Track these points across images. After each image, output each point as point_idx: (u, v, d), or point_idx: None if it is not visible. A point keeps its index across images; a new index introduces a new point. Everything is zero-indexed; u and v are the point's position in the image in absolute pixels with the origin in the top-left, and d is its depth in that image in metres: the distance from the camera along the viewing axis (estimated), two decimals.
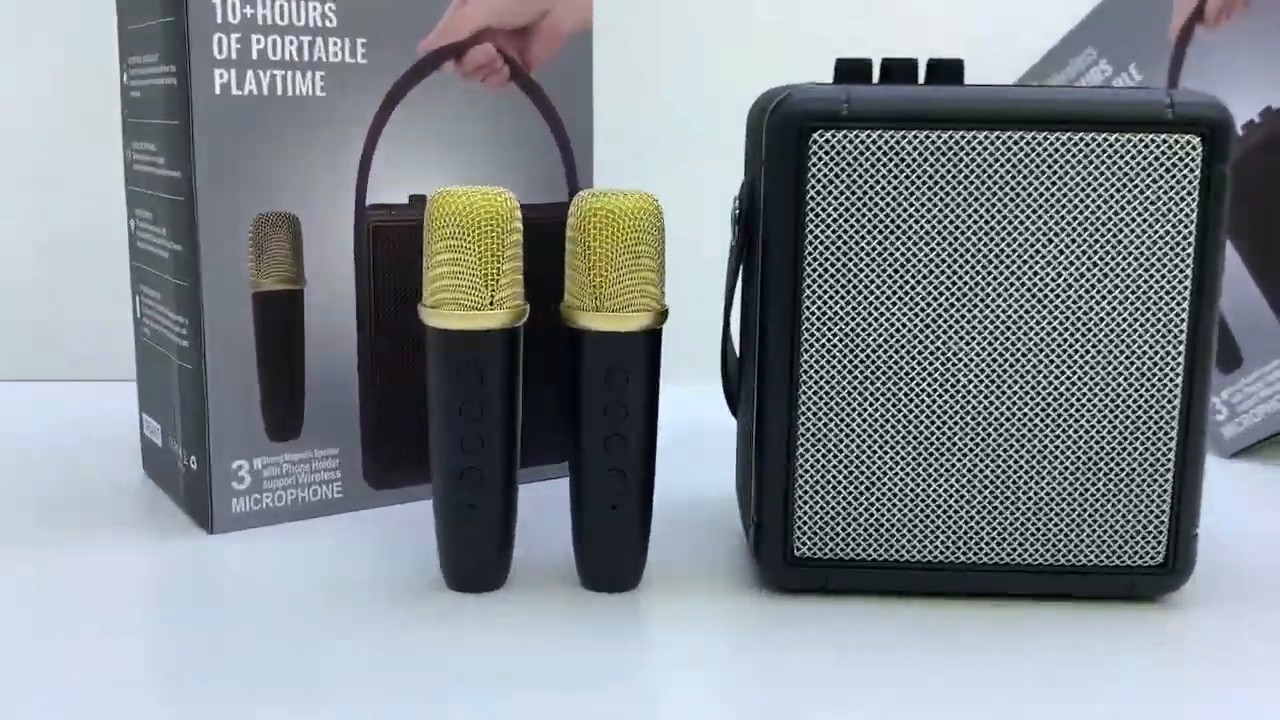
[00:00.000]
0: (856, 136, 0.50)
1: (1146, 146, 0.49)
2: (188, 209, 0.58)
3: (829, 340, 0.51)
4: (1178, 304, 0.50)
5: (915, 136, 0.49)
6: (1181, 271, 0.50)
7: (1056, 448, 0.51)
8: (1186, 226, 0.50)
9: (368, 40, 0.61)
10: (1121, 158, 0.49)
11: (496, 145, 0.65)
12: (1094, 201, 0.50)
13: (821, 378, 0.51)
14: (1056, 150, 0.49)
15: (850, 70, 0.54)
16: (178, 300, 0.60)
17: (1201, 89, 0.75)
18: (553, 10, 0.66)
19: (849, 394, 0.51)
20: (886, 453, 0.52)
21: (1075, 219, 0.50)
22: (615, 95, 0.89)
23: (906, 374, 0.51)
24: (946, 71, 0.54)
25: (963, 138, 0.49)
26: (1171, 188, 0.50)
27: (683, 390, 0.79)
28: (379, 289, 0.63)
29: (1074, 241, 0.50)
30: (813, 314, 0.51)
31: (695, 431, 0.80)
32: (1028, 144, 0.49)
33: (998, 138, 0.49)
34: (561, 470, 0.69)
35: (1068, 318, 0.51)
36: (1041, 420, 0.51)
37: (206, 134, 0.57)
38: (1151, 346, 0.51)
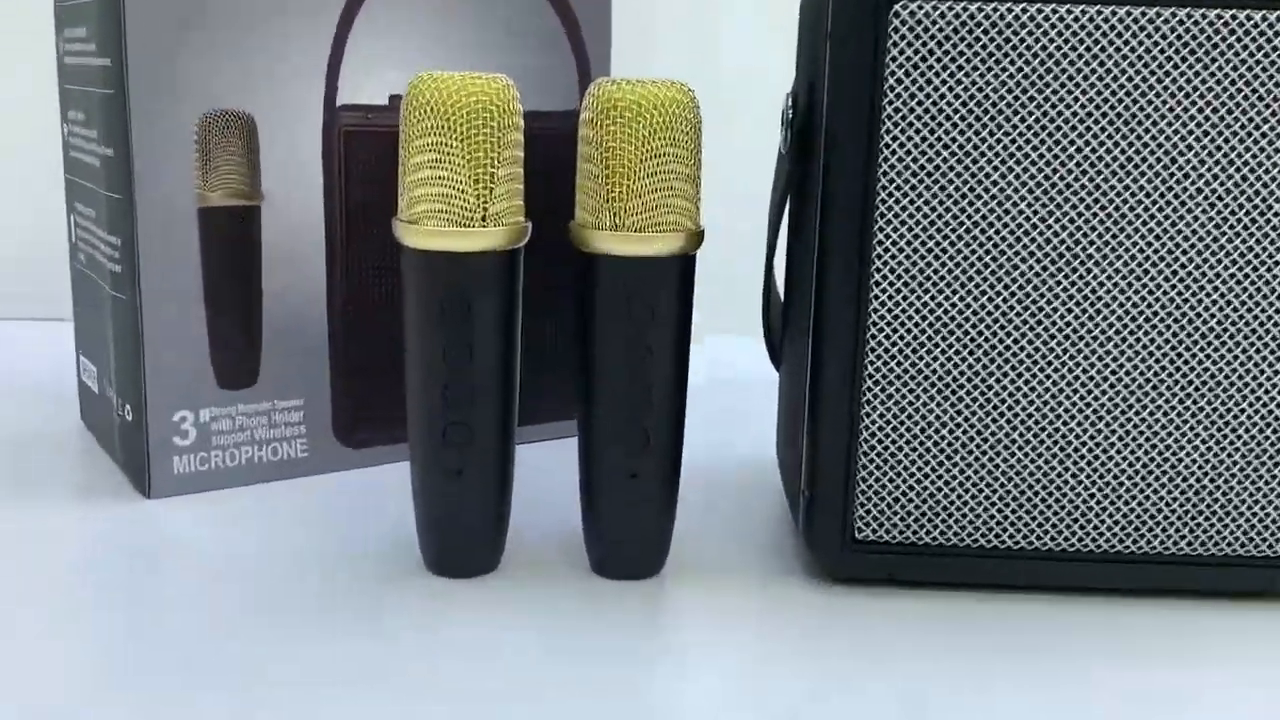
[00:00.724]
0: (953, 8, 0.40)
1: None
2: (119, 104, 0.49)
3: (907, 276, 0.41)
4: None
5: (1038, 9, 0.40)
6: None
7: (1201, 420, 0.42)
8: None
9: None
10: None
11: (494, 39, 0.56)
12: (1253, 101, 0.40)
13: (897, 322, 0.42)
14: (1199, 30, 0.40)
15: None
16: (110, 217, 0.51)
17: None
18: None
19: (930, 344, 0.42)
20: (974, 418, 0.42)
21: (1245, 121, 0.40)
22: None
23: (1006, 321, 0.42)
24: None
25: (1101, 14, 0.40)
26: None
27: (715, 339, 0.69)
28: (352, 205, 0.53)
29: (1240, 155, 0.40)
30: (888, 242, 0.41)
31: (730, 383, 0.71)
32: (1194, 24, 0.40)
33: (1151, 14, 0.40)
34: (569, 429, 0.59)
35: (1227, 253, 0.41)
36: (1185, 383, 0.42)
37: (142, 13, 0.48)
38: None
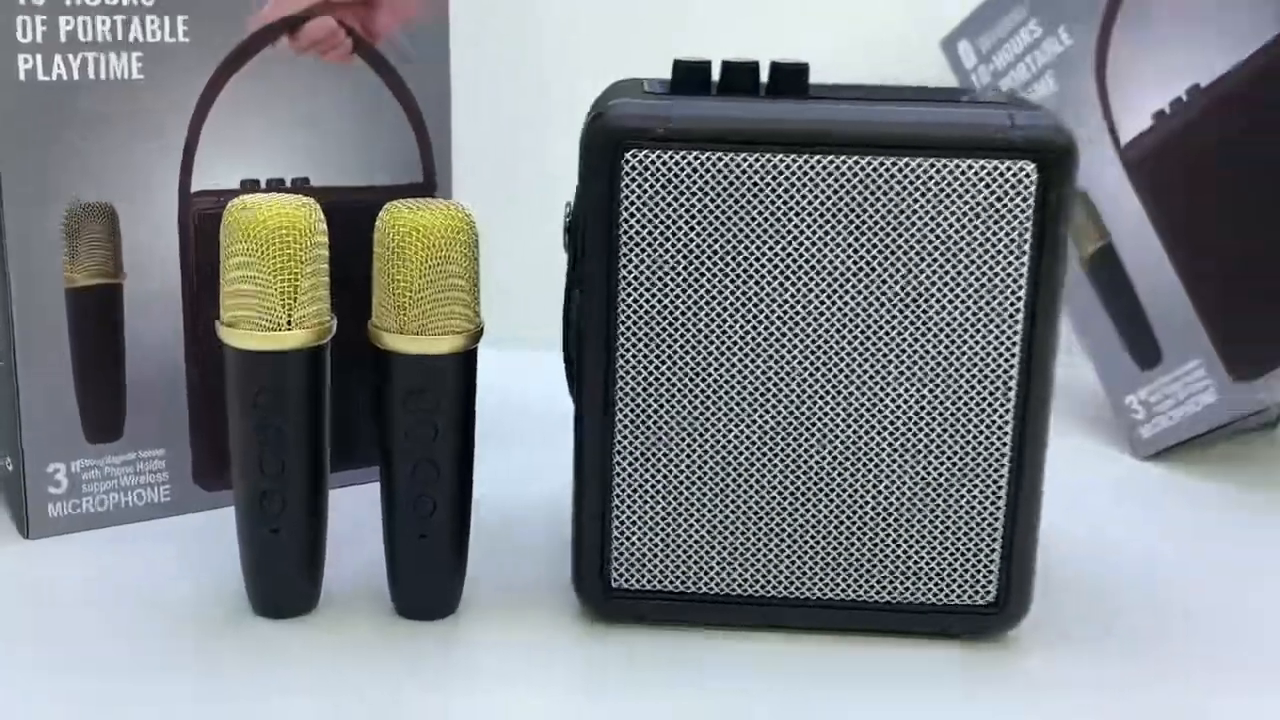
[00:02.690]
0: (673, 157, 0.51)
1: (981, 172, 0.51)
2: None
3: (646, 366, 0.53)
4: (1010, 334, 0.52)
5: (735, 159, 0.51)
6: (1014, 300, 0.52)
7: (882, 481, 0.54)
8: (1020, 259, 0.51)
9: (190, 17, 0.62)
10: (955, 183, 0.51)
11: (340, 123, 0.67)
12: (926, 229, 0.51)
13: (639, 406, 0.53)
14: (886, 176, 0.51)
15: (689, 73, 0.55)
16: None
17: (1130, 60, 0.75)
18: None
19: (667, 422, 0.54)
20: (705, 483, 0.54)
21: (905, 247, 0.51)
22: (481, 68, 0.89)
23: (726, 404, 0.53)
24: (789, 77, 0.55)
25: (784, 161, 0.51)
26: (1006, 215, 0.51)
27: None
28: (204, 280, 0.64)
29: (903, 270, 0.52)
30: (629, 338, 0.53)
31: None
32: (854, 169, 0.51)
33: (821, 162, 0.51)
34: None
35: (895, 349, 0.52)
36: (866, 453, 0.53)
37: (10, 124, 0.59)
38: (982, 377, 0.53)
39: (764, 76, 0.55)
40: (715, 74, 0.55)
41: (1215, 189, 0.72)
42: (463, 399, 0.54)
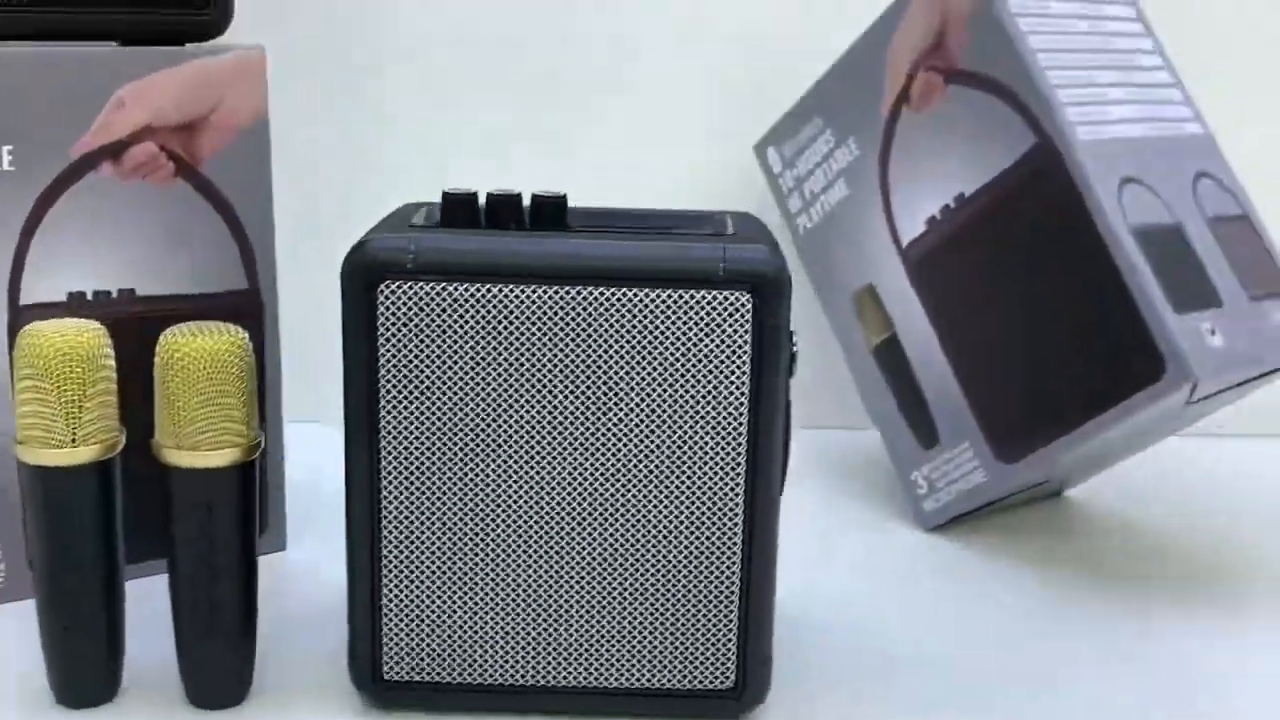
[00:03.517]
0: (423, 289, 0.56)
1: (698, 303, 0.55)
2: None
3: (406, 486, 0.57)
4: (734, 446, 0.57)
5: (477, 290, 0.55)
6: (737, 421, 0.56)
7: (624, 576, 0.58)
8: (740, 379, 0.56)
9: (14, 146, 0.66)
10: (674, 313, 0.55)
11: (165, 239, 0.71)
12: (650, 356, 0.56)
13: (402, 510, 0.58)
14: (610, 305, 0.55)
15: (455, 205, 0.59)
16: None
17: (908, 167, 0.81)
18: (223, 103, 0.71)
19: (429, 526, 0.58)
20: (465, 579, 0.58)
21: (634, 372, 0.56)
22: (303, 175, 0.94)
23: (480, 513, 0.58)
24: (549, 210, 0.59)
25: (519, 292, 0.55)
26: (724, 343, 0.56)
27: None
28: None
29: (634, 392, 0.56)
30: (390, 450, 0.57)
31: None
32: (581, 299, 0.55)
33: (551, 293, 0.55)
34: None
35: (630, 462, 0.57)
36: (608, 552, 0.58)
37: None
38: (712, 485, 0.57)
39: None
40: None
41: (980, 290, 0.78)
42: (240, 508, 0.58)
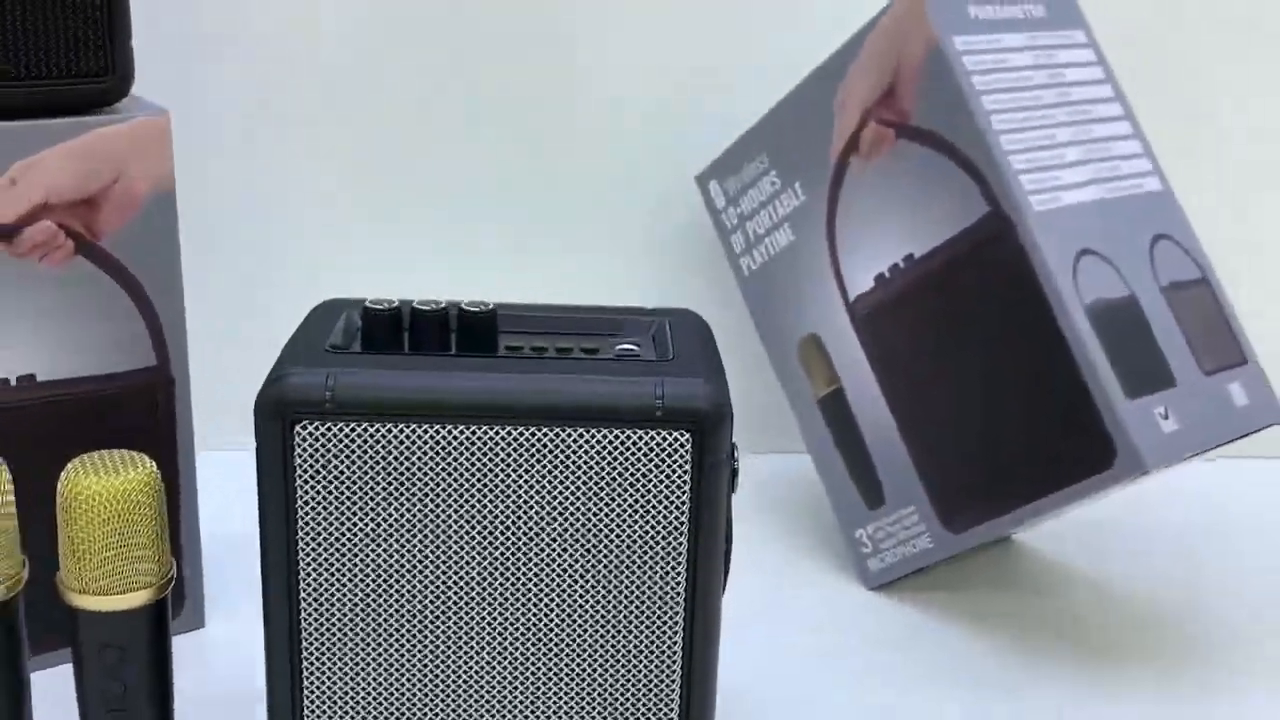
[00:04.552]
0: (342, 430, 0.51)
1: (635, 443, 0.52)
2: None
3: (326, 622, 0.54)
4: (674, 580, 0.54)
5: (398, 430, 0.51)
6: (677, 559, 0.53)
7: (561, 698, 0.55)
8: (679, 514, 0.53)
9: None
10: (610, 453, 0.52)
11: (66, 318, 0.66)
12: (585, 495, 0.52)
13: (323, 656, 0.54)
14: (544, 445, 0.52)
15: (376, 321, 0.55)
16: None
17: (857, 219, 0.77)
18: (124, 175, 0.66)
19: (348, 657, 0.54)
20: (389, 702, 0.55)
21: (567, 513, 0.53)
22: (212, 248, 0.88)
23: (408, 666, 0.54)
24: (479, 327, 0.55)
25: (446, 432, 0.51)
26: (662, 481, 0.52)
27: None
28: None
29: (569, 529, 0.53)
30: (311, 608, 0.54)
31: None
32: (513, 440, 0.52)
33: (480, 433, 0.51)
34: None
35: (563, 609, 0.54)
36: (539, 683, 0.55)
37: None
38: (651, 616, 0.54)
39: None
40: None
41: (929, 354, 0.74)
42: (152, 646, 0.54)
